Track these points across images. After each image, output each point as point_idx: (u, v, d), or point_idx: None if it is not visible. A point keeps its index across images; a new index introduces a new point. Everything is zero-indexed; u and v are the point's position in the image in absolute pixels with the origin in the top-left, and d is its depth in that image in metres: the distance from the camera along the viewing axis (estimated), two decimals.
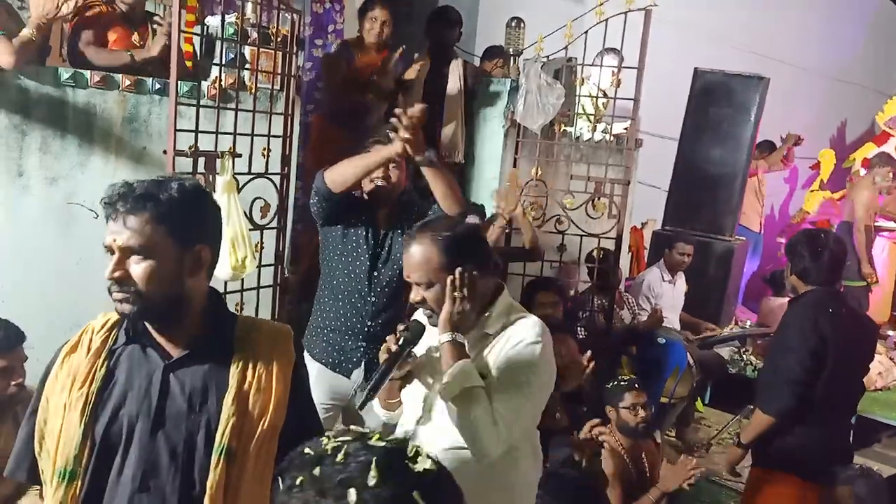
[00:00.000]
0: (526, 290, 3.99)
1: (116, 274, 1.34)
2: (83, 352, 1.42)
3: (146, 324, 1.42)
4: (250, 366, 1.43)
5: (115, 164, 3.02)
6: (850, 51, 9.70)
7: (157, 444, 1.37)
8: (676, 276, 5.23)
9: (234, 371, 1.42)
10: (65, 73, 2.88)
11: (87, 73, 2.93)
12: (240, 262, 2.95)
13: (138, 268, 1.34)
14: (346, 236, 2.66)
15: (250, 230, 3.10)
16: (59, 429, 1.37)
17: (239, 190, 3.09)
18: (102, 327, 1.45)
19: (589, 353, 3.62)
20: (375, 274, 2.64)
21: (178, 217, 1.36)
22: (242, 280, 3.14)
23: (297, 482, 0.90)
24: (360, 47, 3.98)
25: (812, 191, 8.32)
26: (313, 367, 2.61)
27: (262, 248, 3.23)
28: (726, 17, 7.54)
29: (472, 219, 4.07)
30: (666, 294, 5.15)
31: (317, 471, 0.90)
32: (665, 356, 4.41)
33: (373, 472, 0.87)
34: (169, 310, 1.39)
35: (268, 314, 3.37)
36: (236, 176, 3.08)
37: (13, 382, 2.35)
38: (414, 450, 0.91)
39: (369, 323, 2.65)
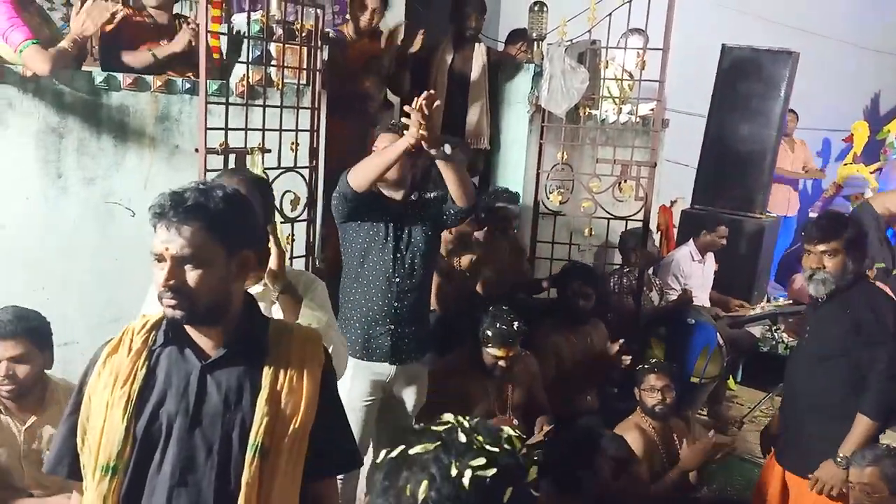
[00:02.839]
0: (559, 277, 4.00)
1: (172, 282, 1.38)
2: (124, 352, 1.47)
3: (185, 326, 1.47)
4: (282, 367, 1.49)
5: (149, 162, 3.10)
6: (882, 19, 9.43)
7: (195, 441, 1.43)
8: (706, 255, 5.21)
9: (267, 372, 1.47)
10: (98, 77, 2.96)
11: (120, 76, 3.00)
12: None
13: (192, 276, 1.39)
14: (366, 223, 2.73)
15: (282, 223, 3.17)
16: (101, 425, 1.43)
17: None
18: (142, 328, 1.50)
19: (620, 342, 3.64)
20: (399, 256, 2.72)
21: (227, 225, 1.41)
22: None
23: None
24: (352, 34, 3.97)
25: (845, 164, 8.15)
26: (349, 365, 2.68)
27: (293, 239, 3.31)
28: None
29: (503, 204, 4.10)
30: (695, 273, 5.13)
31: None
32: (695, 336, 4.41)
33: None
34: (214, 313, 1.44)
35: None
36: (266, 171, 3.15)
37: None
38: (477, 463, 0.99)
39: (395, 305, 2.74)
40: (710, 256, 5.24)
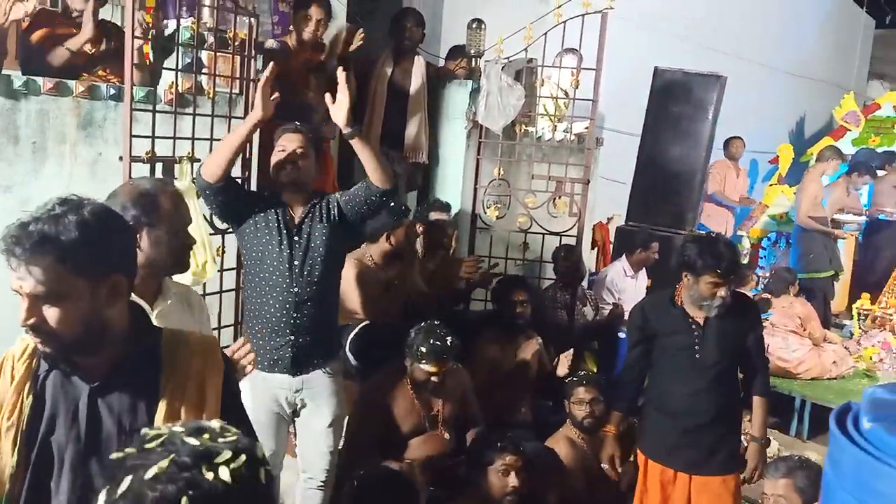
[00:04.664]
0: (496, 289, 4.03)
1: (30, 321, 1.29)
2: (6, 381, 1.38)
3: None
4: (180, 380, 1.41)
5: (70, 170, 3.00)
6: (808, 46, 9.89)
7: (90, 468, 1.35)
8: (639, 270, 5.32)
9: (164, 387, 1.40)
10: (17, 81, 2.85)
11: (40, 80, 2.90)
12: (200, 266, 2.95)
13: (51, 313, 1.29)
14: (261, 230, 2.67)
15: (211, 234, 3.11)
16: None
17: (199, 195, 3.09)
18: (23, 354, 1.40)
19: (568, 354, 3.68)
20: (296, 263, 2.65)
21: (83, 253, 1.28)
22: (204, 285, 3.14)
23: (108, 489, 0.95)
24: (295, 45, 3.95)
25: (771, 185, 8.48)
26: (255, 378, 2.61)
27: (223, 252, 3.23)
28: (687, 15, 7.67)
29: (438, 215, 4.13)
30: (628, 288, 5.23)
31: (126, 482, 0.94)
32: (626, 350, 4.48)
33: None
34: (88, 344, 1.35)
35: (231, 318, 3.37)
36: (194, 179, 3.08)
37: None
38: (224, 458, 0.95)
39: (294, 314, 2.66)
40: (643, 272, 5.35)
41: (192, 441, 0.95)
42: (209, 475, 0.92)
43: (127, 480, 0.93)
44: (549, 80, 4.70)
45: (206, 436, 0.97)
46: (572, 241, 4.44)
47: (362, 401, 3.12)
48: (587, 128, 4.65)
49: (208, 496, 0.91)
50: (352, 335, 3.45)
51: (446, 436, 3.14)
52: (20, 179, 2.91)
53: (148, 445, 0.96)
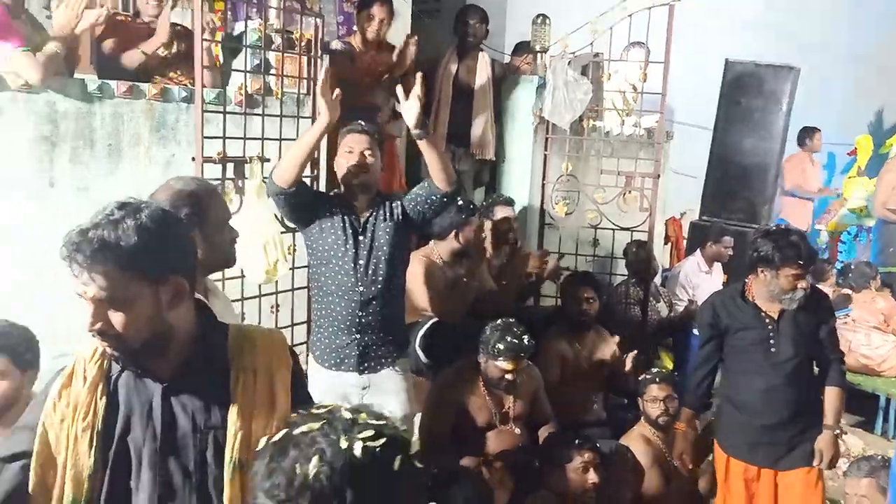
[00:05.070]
0: (563, 285, 3.95)
1: (97, 326, 1.30)
2: (80, 382, 1.39)
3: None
4: (250, 377, 1.42)
5: (144, 171, 3.06)
6: (887, 34, 9.44)
7: (168, 465, 1.37)
8: (713, 265, 5.16)
9: (233, 384, 1.41)
10: (91, 84, 2.92)
11: (114, 84, 2.97)
12: (272, 265, 2.97)
13: (116, 318, 1.30)
14: (327, 230, 2.67)
15: (282, 233, 3.12)
16: (64, 460, 1.36)
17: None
18: (94, 355, 1.41)
19: (633, 353, 3.60)
20: (361, 263, 2.64)
21: (144, 257, 1.28)
22: (277, 282, 3.16)
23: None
24: (360, 45, 3.96)
25: (850, 177, 8.13)
26: (322, 375, 2.66)
27: (294, 250, 3.24)
28: (758, 4, 7.43)
29: (504, 211, 4.07)
30: (703, 284, 5.08)
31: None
32: None
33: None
34: (154, 346, 1.35)
35: (303, 316, 3.38)
36: (266, 180, 3.09)
37: None
38: (365, 435, 1.02)
39: (360, 314, 2.65)
40: (718, 267, 5.19)
41: (347, 415, 1.04)
42: (344, 444, 0.99)
43: (283, 432, 1.04)
44: (616, 75, 4.59)
45: (364, 414, 1.05)
46: (643, 237, 4.33)
47: (434, 396, 3.09)
48: (657, 122, 4.53)
49: (336, 462, 0.98)
50: (421, 332, 3.42)
51: (517, 431, 3.08)
52: (96, 181, 2.98)
53: (315, 411, 1.08)
